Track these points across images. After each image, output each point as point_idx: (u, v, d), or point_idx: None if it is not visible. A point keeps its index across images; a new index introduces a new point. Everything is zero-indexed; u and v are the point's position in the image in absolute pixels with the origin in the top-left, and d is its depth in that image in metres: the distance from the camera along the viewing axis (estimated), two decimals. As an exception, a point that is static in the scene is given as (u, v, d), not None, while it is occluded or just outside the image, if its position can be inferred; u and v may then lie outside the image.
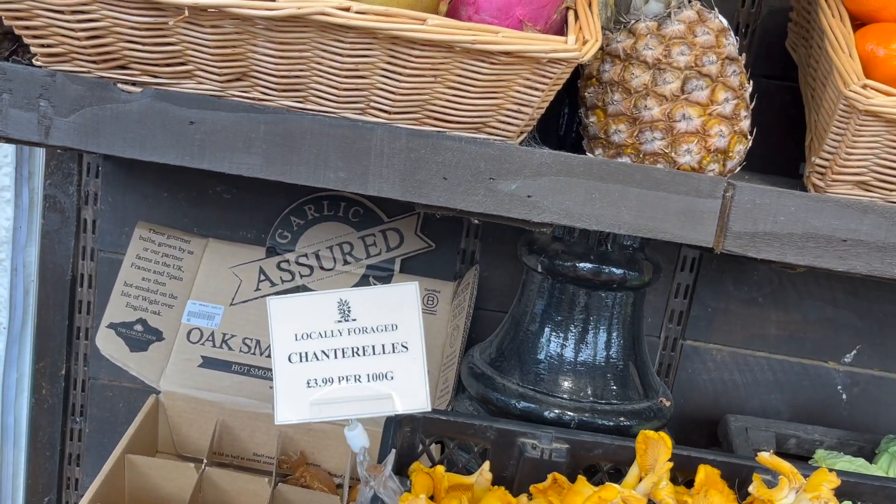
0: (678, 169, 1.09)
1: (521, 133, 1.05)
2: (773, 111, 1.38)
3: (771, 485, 1.05)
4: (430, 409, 1.11)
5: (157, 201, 1.51)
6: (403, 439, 1.15)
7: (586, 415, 1.25)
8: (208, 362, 1.44)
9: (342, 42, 0.96)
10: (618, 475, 1.13)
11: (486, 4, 1.00)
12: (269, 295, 1.47)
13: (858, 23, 1.10)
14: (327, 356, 1.09)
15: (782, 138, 1.31)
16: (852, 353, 1.53)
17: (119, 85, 1.02)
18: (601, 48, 1.11)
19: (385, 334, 1.10)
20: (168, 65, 1.01)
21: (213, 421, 1.41)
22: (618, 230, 1.05)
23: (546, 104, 1.03)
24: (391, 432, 1.13)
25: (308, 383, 1.08)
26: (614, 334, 1.29)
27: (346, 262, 1.50)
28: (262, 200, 1.50)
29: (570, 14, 1.02)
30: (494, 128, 1.04)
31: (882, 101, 1.00)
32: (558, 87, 1.01)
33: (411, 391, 1.09)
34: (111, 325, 1.44)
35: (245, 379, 1.43)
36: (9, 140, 1.04)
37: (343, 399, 1.08)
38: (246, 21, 0.94)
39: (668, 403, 1.32)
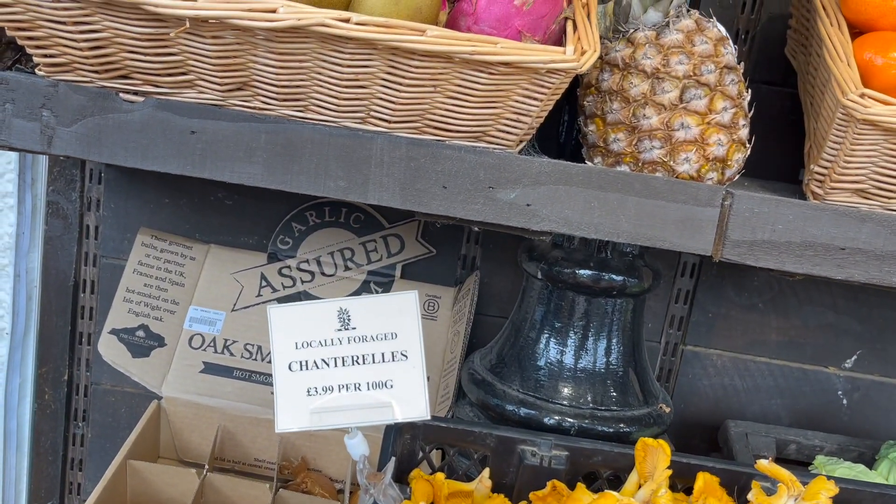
0: (677, 177, 1.10)
1: (521, 142, 1.06)
2: (774, 117, 1.38)
3: (770, 492, 1.05)
4: (429, 418, 1.11)
5: (159, 207, 1.52)
6: (403, 446, 1.16)
7: (586, 421, 1.25)
8: (210, 368, 1.44)
9: (342, 52, 0.96)
10: (617, 482, 1.14)
11: (485, 15, 1.01)
12: (270, 301, 1.48)
13: (857, 31, 1.10)
14: (327, 364, 1.10)
15: (783, 144, 1.32)
16: (853, 359, 1.53)
17: (121, 95, 1.02)
18: (600, 57, 1.11)
19: (385, 343, 1.10)
20: (169, 75, 1.01)
21: (215, 426, 1.41)
22: (616, 238, 1.05)
23: (545, 113, 1.03)
24: (391, 440, 1.13)
25: (308, 391, 1.09)
26: (614, 341, 1.30)
27: (347, 268, 1.51)
28: (264, 206, 1.51)
29: (569, 24, 1.02)
30: (493, 137, 1.04)
31: (880, 110, 0.99)
32: (557, 97, 1.01)
33: (411, 399, 1.10)
34: (113, 331, 1.44)
35: (246, 384, 1.44)
36: (12, 149, 1.04)
37: (343, 407, 1.09)
38: (247, 32, 0.95)
39: (667, 410, 1.32)
